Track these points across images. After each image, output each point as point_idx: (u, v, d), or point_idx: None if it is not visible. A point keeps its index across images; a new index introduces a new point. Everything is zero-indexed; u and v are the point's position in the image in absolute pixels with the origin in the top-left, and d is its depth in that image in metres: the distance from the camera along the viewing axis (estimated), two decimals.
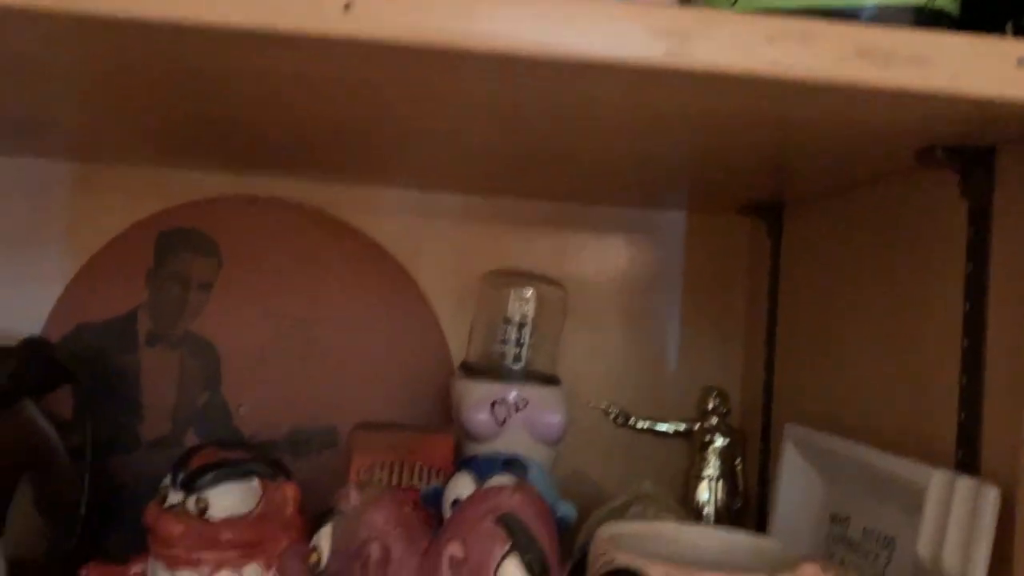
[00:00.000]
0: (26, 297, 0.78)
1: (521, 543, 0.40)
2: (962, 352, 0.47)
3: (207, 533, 0.59)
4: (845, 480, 0.57)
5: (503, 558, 0.40)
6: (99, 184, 0.78)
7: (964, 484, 0.45)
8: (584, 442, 0.80)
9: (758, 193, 0.72)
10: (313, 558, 0.44)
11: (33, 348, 0.71)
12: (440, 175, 0.74)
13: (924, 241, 0.53)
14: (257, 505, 0.61)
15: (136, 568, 0.66)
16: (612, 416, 0.81)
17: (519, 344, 0.73)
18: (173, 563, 0.59)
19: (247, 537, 0.60)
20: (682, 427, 0.80)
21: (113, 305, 0.78)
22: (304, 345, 0.79)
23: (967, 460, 0.46)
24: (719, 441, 0.79)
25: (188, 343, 0.78)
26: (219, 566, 0.59)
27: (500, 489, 0.42)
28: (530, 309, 0.73)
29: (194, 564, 0.58)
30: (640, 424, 0.81)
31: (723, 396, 0.80)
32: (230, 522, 0.59)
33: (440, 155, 0.65)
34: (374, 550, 0.42)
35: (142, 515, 0.64)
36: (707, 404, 0.80)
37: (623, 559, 0.44)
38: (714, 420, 0.79)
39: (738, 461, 0.79)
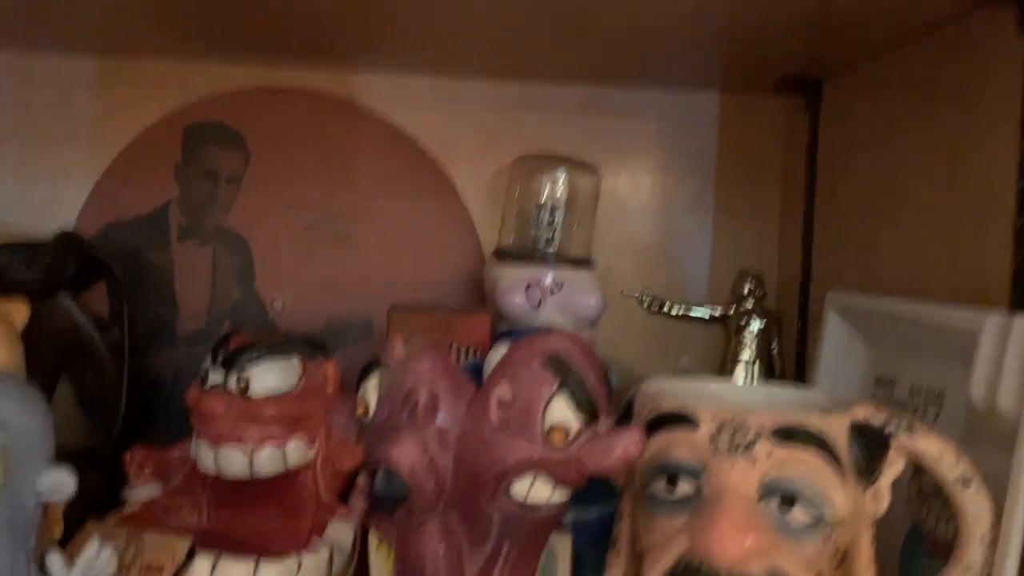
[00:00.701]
0: (55, 196, 0.77)
1: (569, 383, 0.40)
2: (1017, 193, 0.46)
3: (249, 409, 0.59)
4: (890, 341, 0.56)
5: (551, 398, 0.40)
6: (124, 80, 0.77)
7: (1020, 323, 0.44)
8: (618, 331, 0.80)
9: (795, 65, 0.70)
10: (360, 409, 0.44)
11: (67, 242, 0.71)
12: (465, 56, 0.72)
13: (975, 88, 0.51)
14: (298, 383, 0.61)
15: (179, 451, 0.67)
16: (646, 304, 0.80)
17: (552, 227, 0.72)
18: (216, 440, 0.59)
19: (290, 413, 0.60)
20: (717, 311, 0.80)
21: (143, 201, 0.78)
22: (336, 238, 0.79)
23: (1022, 302, 0.45)
24: (755, 324, 0.78)
25: (220, 238, 0.78)
26: (262, 441, 0.59)
27: (547, 333, 0.42)
28: (562, 192, 0.72)
29: (237, 440, 0.59)
30: (674, 310, 0.80)
31: (758, 279, 0.79)
32: (272, 398, 0.60)
33: (463, 27, 0.63)
34: (422, 396, 0.42)
35: (183, 404, 0.65)
36: (742, 288, 0.79)
37: (671, 404, 0.44)
38: (749, 303, 0.78)
39: (774, 344, 0.78)
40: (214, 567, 0.55)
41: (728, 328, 0.79)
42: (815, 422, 0.42)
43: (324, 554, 0.57)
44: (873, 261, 0.63)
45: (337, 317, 0.78)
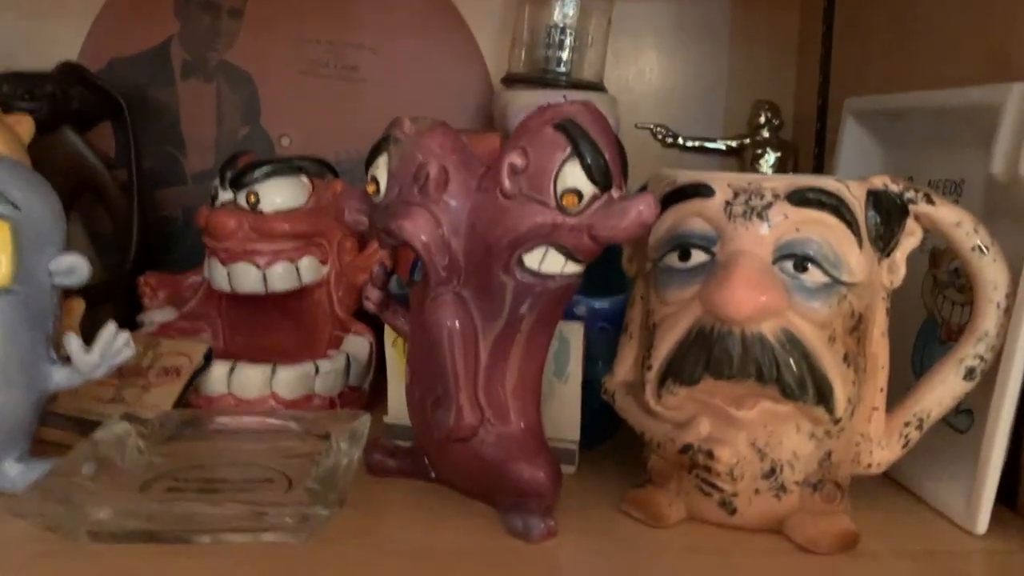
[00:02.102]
0: (54, 34, 0.76)
1: (582, 147, 0.39)
2: None
3: (260, 224, 0.59)
4: (909, 138, 0.55)
5: (564, 162, 0.39)
6: None
7: None
8: (631, 164, 0.78)
9: None
10: (371, 188, 0.43)
11: (69, 72, 0.70)
12: None
13: None
14: (307, 200, 0.61)
15: (192, 277, 0.67)
16: (660, 136, 0.79)
17: (563, 49, 0.70)
18: (228, 257, 0.59)
19: (301, 228, 0.60)
20: (733, 143, 0.78)
21: (144, 37, 0.76)
22: (341, 71, 0.77)
23: None
24: (771, 156, 0.77)
25: (224, 73, 0.77)
26: (275, 258, 0.59)
27: (559, 102, 0.41)
28: (574, 11, 0.70)
29: (249, 256, 0.59)
30: (689, 143, 0.79)
31: (775, 109, 0.77)
32: (283, 213, 0.59)
33: None
34: (432, 170, 0.41)
35: (193, 241, 0.65)
36: (758, 118, 0.77)
37: (686, 177, 0.43)
38: (765, 134, 0.77)
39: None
40: (231, 371, 0.55)
41: (743, 160, 0.78)
42: (831, 184, 0.41)
43: (341, 361, 0.58)
44: (894, 67, 0.61)
45: (346, 154, 0.77)
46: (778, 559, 0.41)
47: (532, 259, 0.41)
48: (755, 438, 0.41)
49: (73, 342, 0.43)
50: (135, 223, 0.73)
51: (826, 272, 0.40)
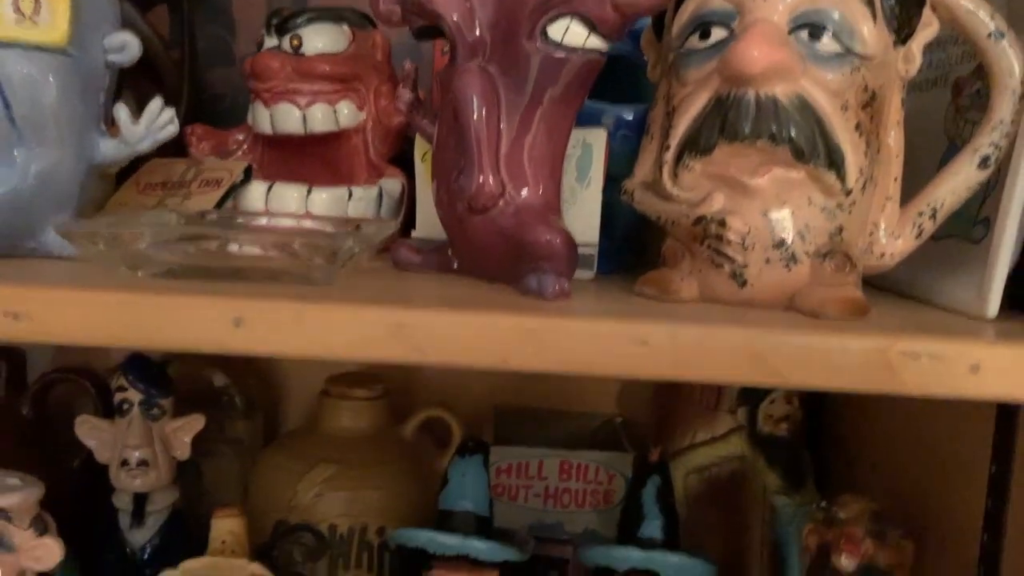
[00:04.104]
0: None
1: None
2: None
3: (302, 66, 0.61)
4: None
5: None
6: None
7: None
8: None
9: None
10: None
11: None
12: None
13: None
14: (347, 48, 0.64)
15: (237, 132, 0.70)
16: None
17: None
18: (271, 98, 0.62)
19: (341, 71, 0.62)
20: None
21: None
22: None
23: None
24: None
25: None
26: (314, 99, 0.62)
27: None
28: None
29: (291, 96, 0.62)
30: None
31: None
32: (323, 56, 0.62)
33: None
34: None
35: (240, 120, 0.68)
36: None
37: None
38: None
39: None
40: (269, 189, 0.58)
41: None
42: None
43: (374, 192, 0.60)
44: None
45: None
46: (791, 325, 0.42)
47: (556, 30, 0.43)
48: (767, 208, 0.42)
49: (122, 111, 0.46)
50: (184, 99, 0.76)
51: (839, 41, 0.41)
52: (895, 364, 0.37)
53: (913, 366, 0.37)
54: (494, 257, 0.45)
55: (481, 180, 0.43)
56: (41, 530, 0.57)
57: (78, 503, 0.71)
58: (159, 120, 0.46)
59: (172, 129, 0.47)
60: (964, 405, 0.56)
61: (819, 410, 0.78)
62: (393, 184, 0.62)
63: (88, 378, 0.76)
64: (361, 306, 0.38)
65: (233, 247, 0.42)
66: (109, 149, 0.47)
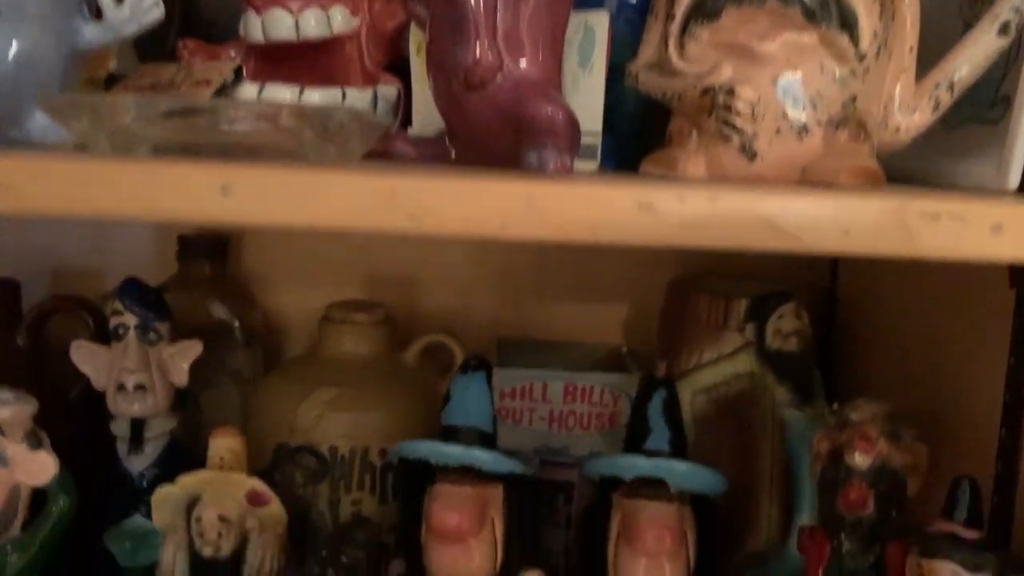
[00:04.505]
0: None
1: None
2: None
3: None
4: None
5: None
6: None
7: None
8: None
9: None
10: None
11: None
12: None
13: None
14: None
15: (229, 48, 0.68)
16: None
17: None
18: (263, 5, 0.60)
19: None
20: None
21: None
22: None
23: None
24: None
25: None
26: (307, 4, 0.60)
27: None
28: None
29: (283, 2, 0.60)
30: None
31: None
32: None
33: None
34: None
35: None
36: None
37: None
38: None
39: None
40: (261, 90, 0.56)
41: None
42: None
43: (368, 95, 0.58)
44: None
45: None
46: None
47: None
48: (778, 75, 0.40)
49: None
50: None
51: None
52: (913, 225, 0.36)
53: (932, 227, 0.36)
54: (492, 137, 0.44)
55: (478, 52, 0.41)
56: (35, 445, 0.56)
57: (77, 435, 0.70)
58: (143, 3, 0.45)
59: (157, 12, 0.46)
60: (982, 308, 0.54)
61: (829, 333, 0.76)
62: (389, 90, 0.60)
63: (85, 307, 0.75)
64: (352, 173, 0.37)
65: (223, 127, 0.40)
66: (92, 33, 0.45)
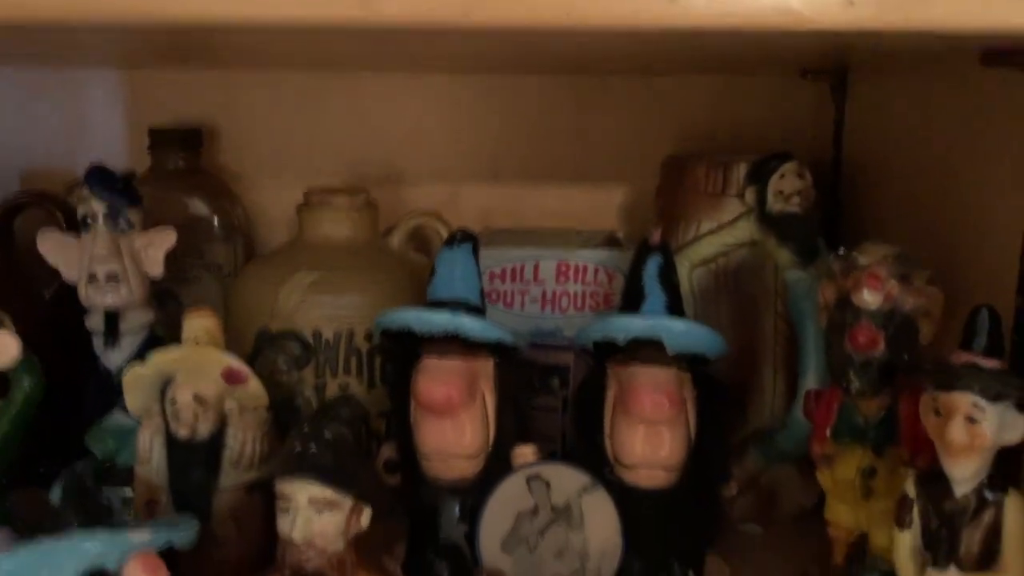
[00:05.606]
0: None
1: None
2: None
3: None
4: None
5: None
6: None
7: None
8: None
9: None
10: None
11: None
12: None
13: None
14: None
15: None
16: None
17: None
18: None
19: None
20: None
21: None
22: None
23: None
24: None
25: None
26: None
27: None
28: None
29: None
30: None
31: None
32: None
33: None
34: None
35: None
36: None
37: None
38: None
39: None
40: None
41: None
42: None
43: None
44: None
45: None
46: None
47: None
48: None
49: None
50: None
51: None
52: None
53: None
54: None
55: None
56: None
57: (54, 335, 0.67)
58: None
59: None
60: (994, 158, 0.51)
61: (834, 204, 0.73)
62: None
63: (54, 202, 0.72)
64: None
65: None
66: None
